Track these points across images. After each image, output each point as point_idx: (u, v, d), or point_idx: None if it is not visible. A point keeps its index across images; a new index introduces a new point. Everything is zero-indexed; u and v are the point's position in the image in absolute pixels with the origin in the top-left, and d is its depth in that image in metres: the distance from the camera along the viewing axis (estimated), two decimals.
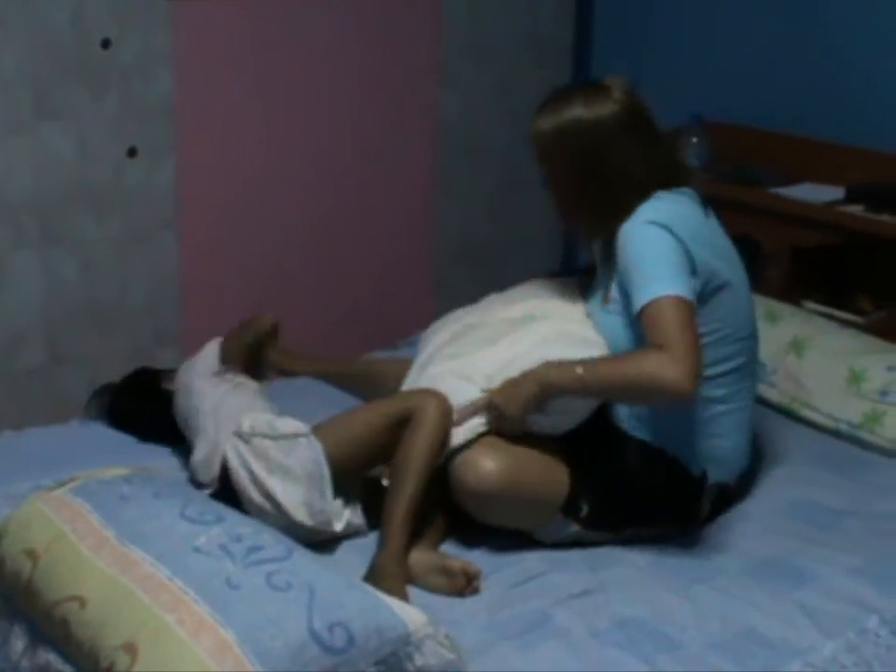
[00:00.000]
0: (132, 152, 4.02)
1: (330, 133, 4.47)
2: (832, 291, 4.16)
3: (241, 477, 2.80)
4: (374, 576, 2.58)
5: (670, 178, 2.90)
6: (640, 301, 2.73)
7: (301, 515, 2.73)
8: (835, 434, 3.43)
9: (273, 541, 2.33)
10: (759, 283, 4.09)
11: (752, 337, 3.00)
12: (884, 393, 3.38)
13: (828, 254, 4.15)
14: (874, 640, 2.50)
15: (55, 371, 4.06)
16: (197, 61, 4.11)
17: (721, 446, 2.93)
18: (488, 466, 2.74)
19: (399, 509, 2.69)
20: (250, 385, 3.19)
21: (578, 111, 2.86)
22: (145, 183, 4.08)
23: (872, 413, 3.37)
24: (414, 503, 2.71)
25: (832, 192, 4.11)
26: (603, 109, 2.85)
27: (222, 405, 3.02)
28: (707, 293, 2.80)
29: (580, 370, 2.76)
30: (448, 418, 2.80)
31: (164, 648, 2.08)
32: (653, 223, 2.78)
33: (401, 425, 2.79)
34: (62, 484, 2.56)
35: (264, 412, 2.96)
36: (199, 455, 2.96)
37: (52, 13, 3.79)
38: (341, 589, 2.22)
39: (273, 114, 4.33)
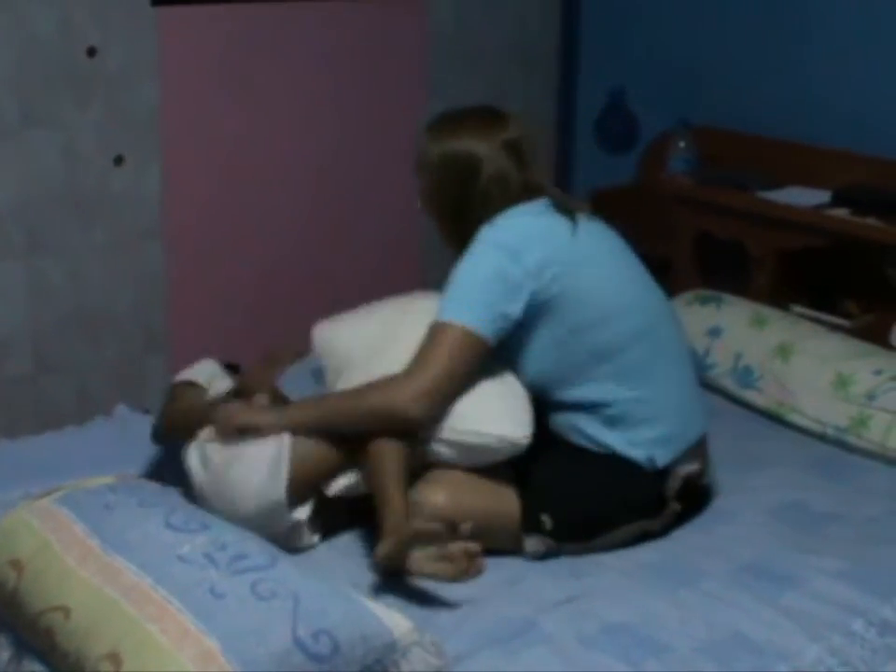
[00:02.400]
0: (118, 160, 4.02)
1: (317, 141, 4.47)
2: (819, 295, 4.17)
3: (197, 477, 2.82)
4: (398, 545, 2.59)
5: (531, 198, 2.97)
6: (435, 316, 2.86)
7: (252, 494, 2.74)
8: (822, 438, 3.43)
9: (257, 550, 2.32)
10: (744, 287, 4.12)
11: (623, 317, 2.94)
12: (870, 397, 3.38)
13: (814, 258, 4.15)
14: (859, 643, 2.50)
15: (42, 380, 4.05)
16: (183, 69, 4.11)
17: (653, 430, 2.91)
18: (432, 498, 2.76)
19: (385, 486, 2.68)
20: None
21: (464, 144, 2.94)
22: (131, 191, 4.08)
23: (858, 417, 3.37)
24: (394, 479, 2.71)
25: (818, 196, 4.11)
26: (486, 146, 2.93)
27: None
28: (550, 296, 2.84)
29: (312, 410, 2.88)
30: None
31: (148, 657, 2.08)
32: (493, 241, 2.87)
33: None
34: (47, 494, 2.56)
35: None
36: None
37: (38, 21, 3.79)
38: (325, 597, 2.21)
39: (259, 122, 4.33)
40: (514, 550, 2.83)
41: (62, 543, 2.36)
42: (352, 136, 4.56)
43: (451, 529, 2.64)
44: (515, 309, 2.83)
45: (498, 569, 2.76)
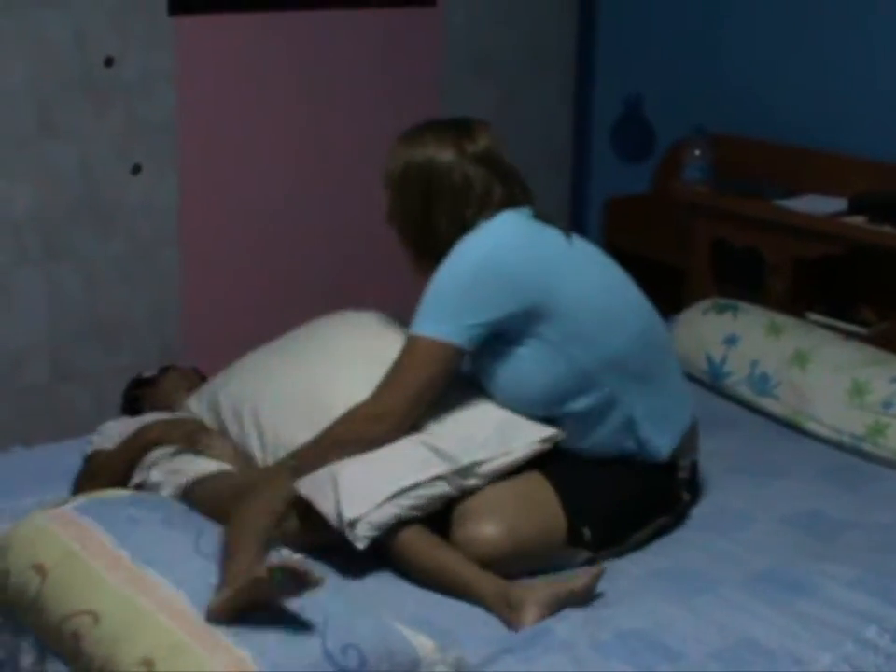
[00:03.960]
0: (136, 169, 4.03)
1: (333, 148, 4.48)
2: (835, 303, 4.17)
3: None
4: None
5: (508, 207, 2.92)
6: (409, 331, 2.85)
7: None
8: (839, 446, 3.43)
9: None
10: (761, 295, 4.13)
11: (626, 322, 2.92)
12: (887, 405, 3.38)
13: (831, 265, 4.15)
14: (873, 650, 2.49)
15: (59, 388, 4.06)
16: (200, 78, 4.12)
17: (662, 426, 2.92)
18: (488, 532, 2.71)
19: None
20: None
21: (428, 151, 2.92)
22: (148, 200, 4.09)
23: (875, 425, 3.37)
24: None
25: (835, 204, 4.11)
26: (452, 155, 2.90)
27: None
28: (543, 304, 2.80)
29: (292, 462, 2.81)
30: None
31: (182, 665, 2.08)
32: (475, 248, 2.83)
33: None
34: (63, 502, 2.56)
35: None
36: None
37: (56, 31, 3.81)
38: (352, 613, 2.23)
39: (276, 130, 4.34)
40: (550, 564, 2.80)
41: (88, 551, 2.36)
42: (370, 143, 4.56)
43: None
44: (495, 316, 2.80)
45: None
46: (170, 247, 4.20)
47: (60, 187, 3.92)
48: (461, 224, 2.89)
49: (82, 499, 2.57)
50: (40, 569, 2.37)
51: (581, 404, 2.87)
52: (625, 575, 2.77)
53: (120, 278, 4.12)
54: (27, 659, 2.36)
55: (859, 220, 4.00)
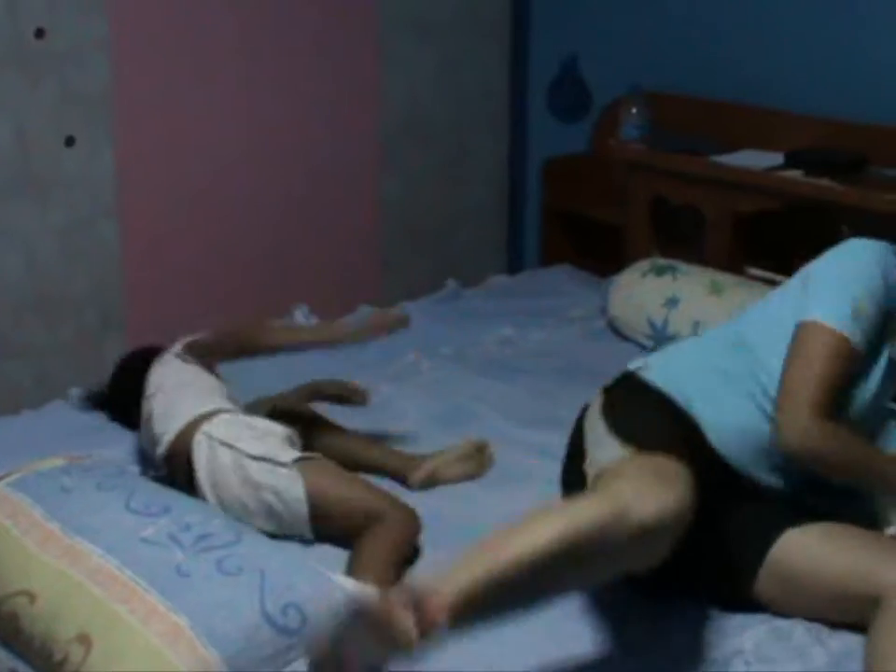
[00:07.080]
0: (69, 141, 3.99)
1: (272, 116, 4.45)
2: (774, 257, 4.19)
3: (203, 477, 2.72)
4: None
5: None
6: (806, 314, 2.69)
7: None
8: None
9: (221, 527, 2.33)
10: (700, 251, 4.15)
11: None
12: None
13: (770, 221, 4.18)
14: None
15: (1, 364, 4.03)
16: (133, 48, 4.07)
17: None
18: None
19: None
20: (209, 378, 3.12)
21: None
22: (84, 171, 4.05)
23: None
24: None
25: (771, 158, 4.12)
26: None
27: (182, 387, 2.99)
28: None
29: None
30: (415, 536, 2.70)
31: (117, 637, 2.09)
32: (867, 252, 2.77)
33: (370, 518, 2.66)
34: None
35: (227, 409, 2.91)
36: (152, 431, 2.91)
37: None
38: (292, 571, 2.23)
39: (212, 99, 4.30)
40: None
41: (20, 528, 2.36)
42: (308, 110, 4.54)
43: None
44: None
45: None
46: (109, 220, 4.15)
47: None
48: None
49: (16, 475, 2.56)
50: None
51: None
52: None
53: (60, 251, 4.08)
54: None
55: (796, 174, 4.01)
